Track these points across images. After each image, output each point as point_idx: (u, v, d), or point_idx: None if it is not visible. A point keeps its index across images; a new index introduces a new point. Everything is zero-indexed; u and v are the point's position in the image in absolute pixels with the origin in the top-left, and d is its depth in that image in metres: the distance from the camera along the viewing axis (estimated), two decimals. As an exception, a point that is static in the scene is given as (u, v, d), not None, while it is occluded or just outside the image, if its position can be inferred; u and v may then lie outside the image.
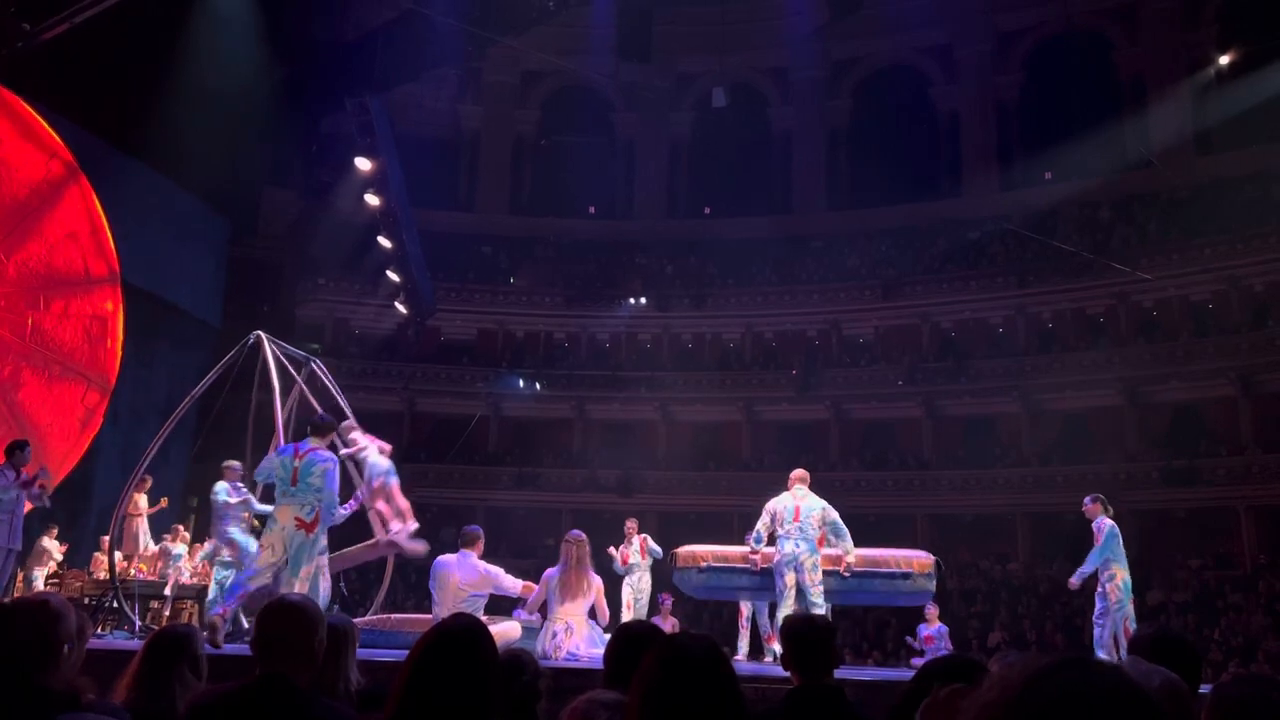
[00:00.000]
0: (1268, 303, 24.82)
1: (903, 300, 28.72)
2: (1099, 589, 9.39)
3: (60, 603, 2.54)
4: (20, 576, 12.18)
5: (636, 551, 11.72)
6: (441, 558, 7.84)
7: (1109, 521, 9.41)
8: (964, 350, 28.08)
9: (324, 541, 7.71)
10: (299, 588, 7.27)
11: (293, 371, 11.02)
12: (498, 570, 7.77)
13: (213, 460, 12.13)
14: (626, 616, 10.88)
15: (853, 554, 8.84)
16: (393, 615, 10.75)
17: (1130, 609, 9.30)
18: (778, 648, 8.59)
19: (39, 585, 11.82)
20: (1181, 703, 2.23)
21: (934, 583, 9.32)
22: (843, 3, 26.06)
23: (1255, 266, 24.66)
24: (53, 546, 12.74)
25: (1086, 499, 9.74)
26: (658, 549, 11.78)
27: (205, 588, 10.84)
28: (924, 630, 13.29)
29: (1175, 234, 25.90)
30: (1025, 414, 26.68)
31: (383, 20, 23.06)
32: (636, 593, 11.60)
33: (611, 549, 11.78)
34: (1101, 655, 9.97)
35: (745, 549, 9.30)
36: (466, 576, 7.59)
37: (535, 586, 7.86)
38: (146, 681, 2.81)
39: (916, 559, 9.27)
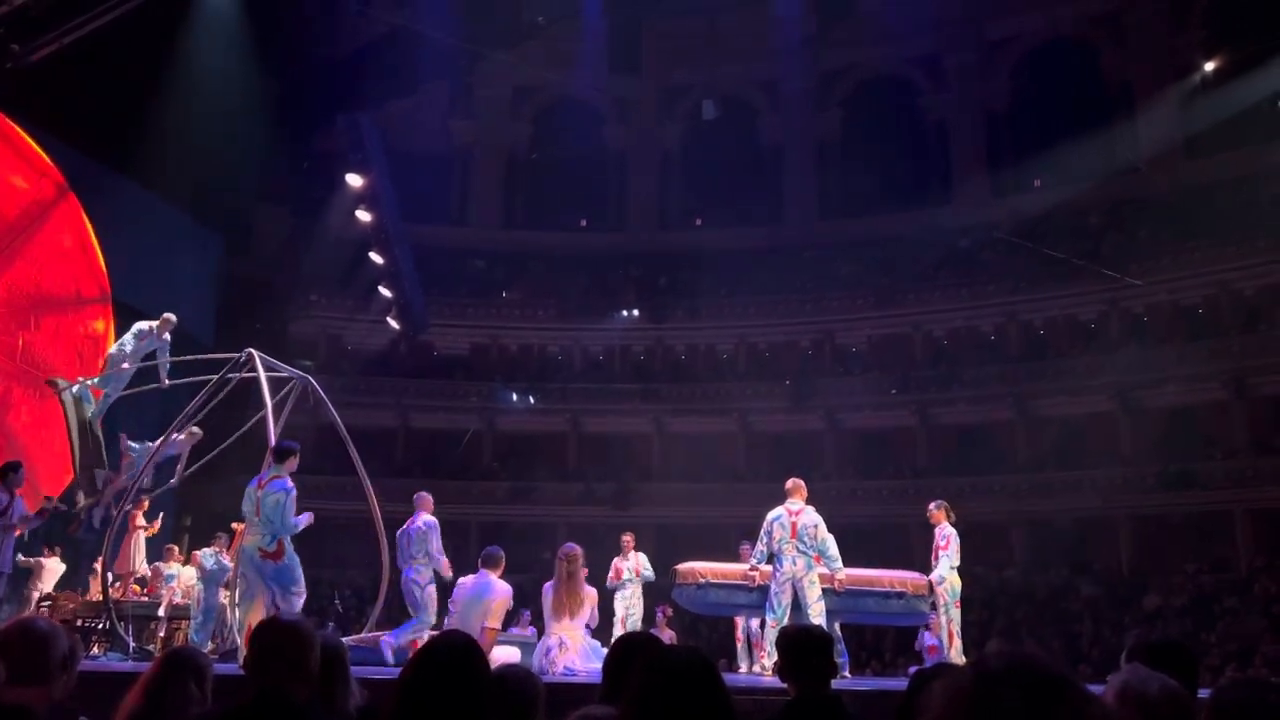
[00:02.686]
0: (1259, 306, 24.91)
1: (895, 309, 28.78)
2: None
3: (48, 625, 2.52)
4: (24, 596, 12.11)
5: (631, 568, 11.65)
6: (461, 579, 7.78)
7: (952, 529, 9.43)
8: (957, 358, 28.13)
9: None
10: (297, 603, 7.39)
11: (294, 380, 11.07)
12: (498, 603, 7.50)
13: (205, 479, 12.09)
14: (619, 633, 10.80)
15: (842, 574, 8.80)
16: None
17: (956, 613, 9.29)
18: (768, 661, 8.57)
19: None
20: (1180, 707, 2.23)
21: (928, 604, 9.30)
22: (831, 12, 26.25)
23: (1245, 270, 24.76)
24: (53, 565, 12.57)
25: (931, 504, 9.77)
26: (650, 573, 11.67)
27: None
28: (928, 639, 13.23)
29: (1165, 239, 26.00)
30: (1019, 421, 26.72)
31: (373, 37, 23.15)
32: (629, 608, 11.52)
33: (615, 566, 11.72)
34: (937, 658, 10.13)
35: (745, 566, 9.25)
36: (476, 597, 7.50)
37: (497, 633, 7.64)
38: (155, 699, 2.79)
39: (910, 580, 9.24)
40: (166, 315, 10.97)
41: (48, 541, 12.70)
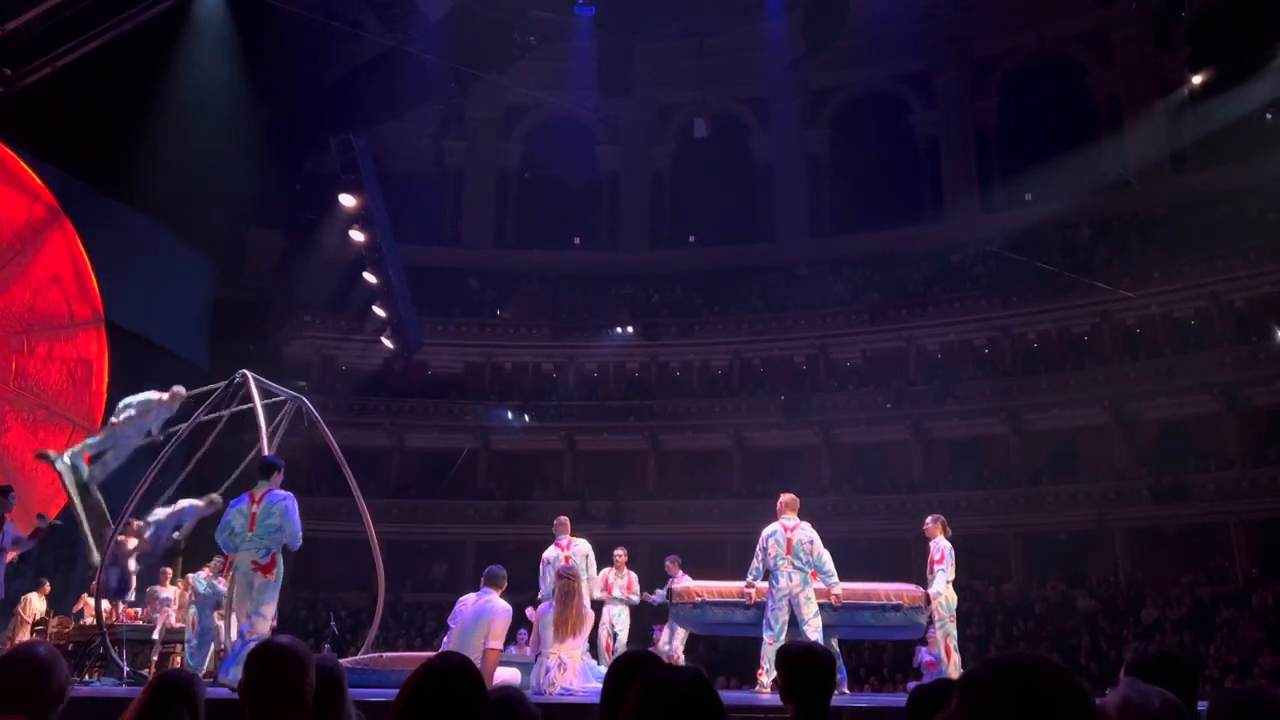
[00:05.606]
0: (1249, 317, 25.03)
1: (888, 324, 28.85)
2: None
3: (49, 653, 2.50)
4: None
5: (623, 586, 11.57)
6: (462, 598, 7.72)
7: (947, 543, 9.41)
8: (950, 373, 28.20)
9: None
10: (261, 627, 7.34)
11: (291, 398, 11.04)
12: (500, 623, 7.35)
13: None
14: (605, 660, 10.66)
15: (839, 588, 8.77)
16: (384, 654, 10.62)
17: (952, 627, 9.26)
18: (765, 680, 8.52)
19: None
20: None
21: (925, 616, 9.27)
22: (820, 36, 26.50)
23: (1235, 282, 24.90)
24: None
25: (928, 518, 9.74)
26: (636, 598, 11.56)
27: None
28: (925, 655, 13.17)
29: (1156, 252, 26.15)
30: (1013, 434, 26.75)
31: (365, 59, 23.21)
32: (616, 628, 11.41)
33: (605, 579, 11.64)
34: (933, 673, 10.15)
35: (741, 584, 9.23)
36: (477, 616, 7.40)
37: (500, 654, 7.53)
38: None
39: (907, 592, 9.21)
40: (176, 389, 10.50)
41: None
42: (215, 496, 10.71)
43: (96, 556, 10.30)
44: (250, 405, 10.09)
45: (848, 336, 29.44)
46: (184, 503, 10.52)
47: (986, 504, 25.42)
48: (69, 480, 10.29)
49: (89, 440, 10.70)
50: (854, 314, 29.28)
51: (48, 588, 12.60)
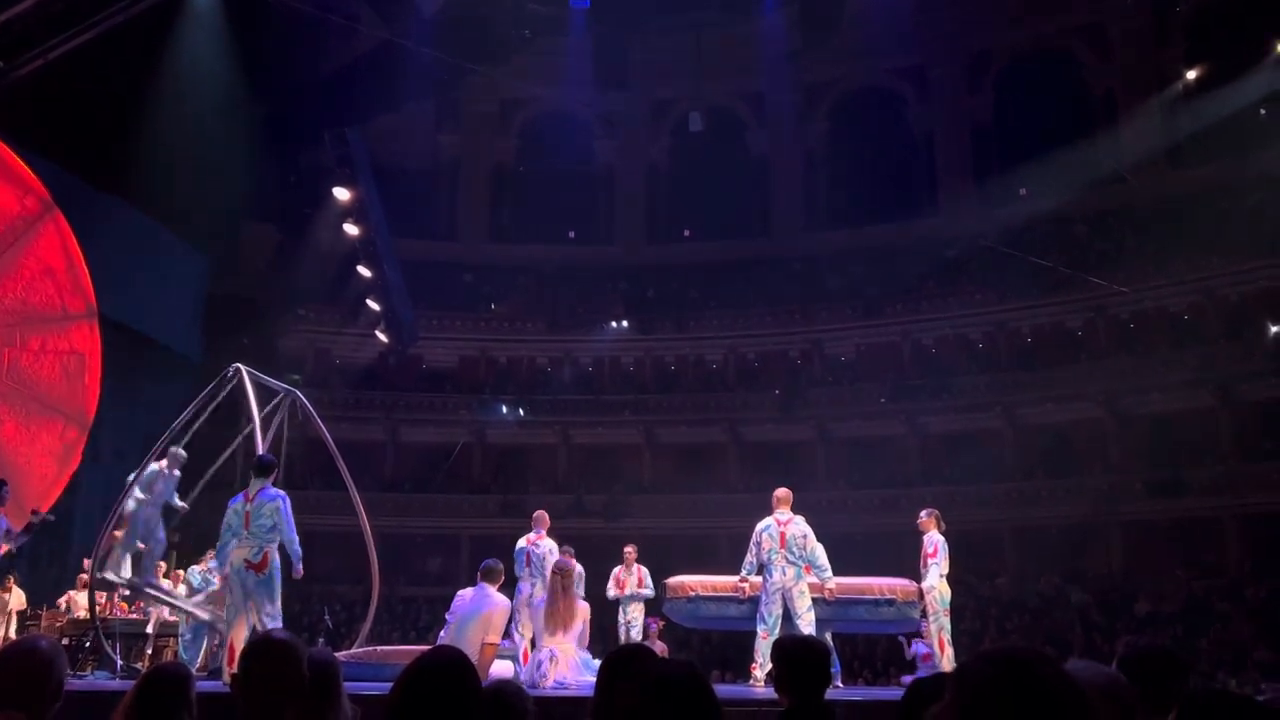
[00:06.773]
0: (1243, 313, 25.08)
1: (883, 319, 28.87)
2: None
3: (51, 647, 2.48)
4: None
5: (635, 582, 11.62)
6: (460, 592, 7.73)
7: (941, 537, 9.46)
8: (945, 367, 28.22)
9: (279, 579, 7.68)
10: (270, 624, 7.34)
11: (281, 396, 10.98)
12: (499, 616, 7.41)
13: (192, 495, 11.99)
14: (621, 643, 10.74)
15: (832, 582, 8.79)
16: (379, 648, 10.62)
17: (946, 621, 9.28)
18: (760, 674, 8.54)
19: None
20: (1122, 699, 2.22)
21: (918, 610, 9.31)
22: (816, 30, 26.45)
23: (1230, 277, 24.95)
24: None
25: (923, 512, 9.82)
26: (650, 591, 11.57)
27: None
28: (920, 648, 13.19)
29: (1151, 247, 26.17)
30: (1008, 429, 26.80)
31: (361, 53, 23.13)
32: (630, 623, 11.47)
33: (616, 576, 11.68)
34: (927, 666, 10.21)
35: (734, 578, 9.26)
36: (475, 610, 7.40)
37: (497, 648, 7.60)
38: (139, 719, 2.74)
39: (900, 587, 9.25)
40: (174, 450, 10.17)
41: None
42: (176, 450, 10.27)
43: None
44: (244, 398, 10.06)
45: (843, 331, 29.46)
46: (151, 467, 10.13)
47: (981, 498, 25.45)
48: (127, 584, 9.85)
49: (118, 548, 9.93)
50: (849, 308, 29.29)
51: (11, 582, 12.40)
